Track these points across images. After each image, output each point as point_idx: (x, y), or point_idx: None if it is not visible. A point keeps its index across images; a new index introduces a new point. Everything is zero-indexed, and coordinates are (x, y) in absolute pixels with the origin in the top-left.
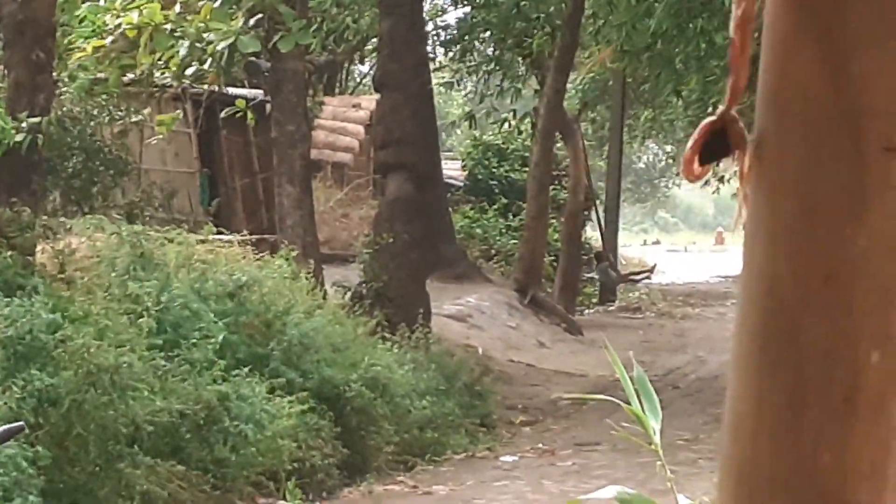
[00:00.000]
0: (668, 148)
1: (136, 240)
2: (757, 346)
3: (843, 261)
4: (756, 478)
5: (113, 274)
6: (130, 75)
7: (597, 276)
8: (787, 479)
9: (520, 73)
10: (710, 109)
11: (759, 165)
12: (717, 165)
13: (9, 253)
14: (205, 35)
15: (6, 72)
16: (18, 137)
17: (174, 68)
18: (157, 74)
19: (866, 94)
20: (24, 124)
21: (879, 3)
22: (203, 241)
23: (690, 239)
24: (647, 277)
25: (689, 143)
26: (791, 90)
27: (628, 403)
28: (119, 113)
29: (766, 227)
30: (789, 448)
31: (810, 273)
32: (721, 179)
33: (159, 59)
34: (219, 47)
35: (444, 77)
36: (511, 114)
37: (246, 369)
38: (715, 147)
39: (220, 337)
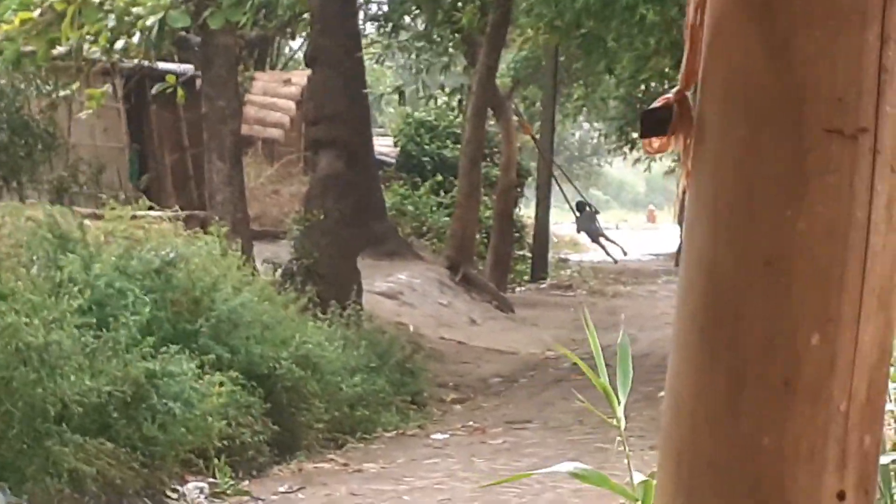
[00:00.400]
0: (600, 125)
1: (55, 220)
2: (697, 329)
3: (783, 244)
4: (695, 460)
5: (37, 255)
6: (59, 49)
7: (578, 225)
8: (727, 461)
9: (450, 49)
10: (642, 87)
11: (699, 147)
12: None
13: None
14: (133, 9)
15: None
16: None
17: (103, 42)
18: (86, 48)
19: (807, 76)
20: None
21: None
22: (132, 218)
23: (622, 217)
24: (620, 251)
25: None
26: (732, 71)
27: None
28: (47, 87)
29: (706, 210)
30: (728, 430)
31: (750, 256)
32: (653, 158)
33: (88, 34)
34: (148, 22)
35: (375, 53)
36: (440, 90)
37: (175, 347)
38: (658, 122)
39: (146, 312)
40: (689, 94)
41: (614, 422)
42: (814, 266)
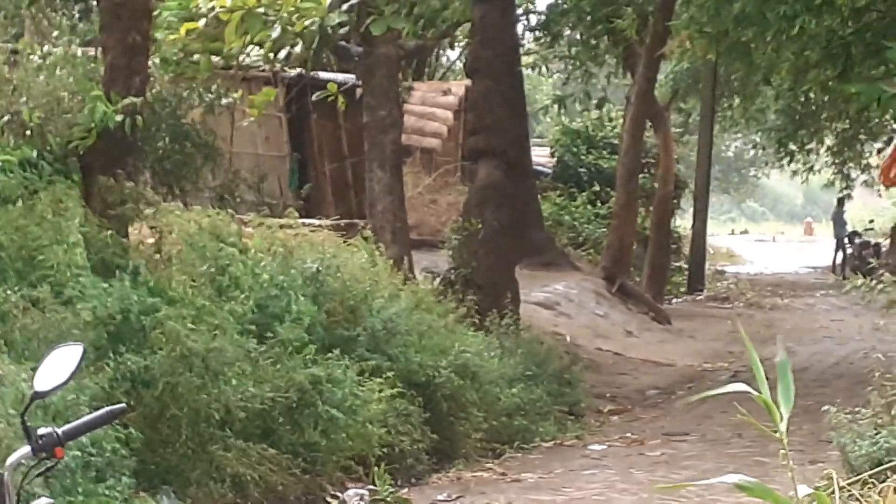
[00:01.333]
0: (757, 137)
1: (219, 225)
2: None
3: None
4: None
5: (202, 259)
6: (222, 57)
7: (854, 253)
8: None
9: (607, 59)
10: (802, 99)
11: None
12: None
13: (108, 232)
14: (295, 19)
15: (103, 54)
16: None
17: (266, 51)
18: (248, 57)
19: None
20: (119, 106)
21: None
22: (289, 226)
23: (778, 229)
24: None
25: (890, 151)
26: None
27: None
28: (209, 95)
29: None
30: None
31: None
32: (811, 170)
33: (252, 42)
34: (306, 23)
35: (533, 62)
36: (596, 101)
37: (335, 353)
38: None
39: (307, 319)
40: None
41: (777, 435)
42: None
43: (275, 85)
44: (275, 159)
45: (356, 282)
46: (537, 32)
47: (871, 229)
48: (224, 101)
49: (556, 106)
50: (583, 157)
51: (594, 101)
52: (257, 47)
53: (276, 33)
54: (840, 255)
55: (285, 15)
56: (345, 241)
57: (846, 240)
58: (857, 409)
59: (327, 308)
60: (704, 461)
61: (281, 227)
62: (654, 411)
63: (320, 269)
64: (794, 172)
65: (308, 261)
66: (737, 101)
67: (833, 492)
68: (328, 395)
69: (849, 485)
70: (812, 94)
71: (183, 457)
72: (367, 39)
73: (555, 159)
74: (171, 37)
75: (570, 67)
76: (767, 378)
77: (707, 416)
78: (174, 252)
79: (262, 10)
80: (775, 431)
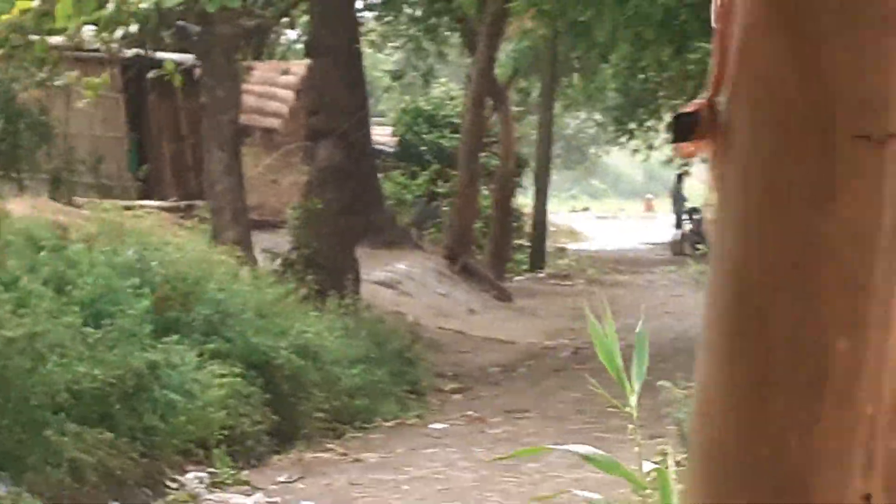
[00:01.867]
0: (598, 115)
1: (53, 214)
2: (725, 332)
3: (811, 248)
4: (724, 459)
5: (34, 246)
6: (57, 38)
7: (693, 228)
8: (754, 462)
9: (447, 37)
10: (640, 76)
11: (729, 152)
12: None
13: None
14: None
15: None
16: None
17: (102, 31)
18: (84, 37)
19: (836, 83)
20: None
21: None
22: (127, 209)
23: (619, 206)
24: None
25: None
26: (761, 79)
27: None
28: (41, 74)
29: (735, 214)
30: (757, 432)
31: (778, 260)
32: (650, 147)
33: (86, 22)
34: (143, 5)
35: (372, 41)
36: (397, 72)
37: (175, 337)
38: (689, 127)
39: (144, 304)
40: (717, 99)
41: (627, 410)
42: (841, 270)
43: (111, 65)
44: (112, 140)
45: (189, 265)
46: (378, 11)
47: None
48: (59, 81)
49: (394, 83)
50: (424, 136)
51: (419, 74)
52: (93, 26)
53: (111, 6)
54: (679, 231)
55: None
56: (183, 223)
57: (685, 215)
58: (693, 384)
59: (159, 294)
60: (545, 438)
61: (118, 209)
62: (496, 389)
63: (141, 256)
64: (635, 150)
65: (130, 250)
66: (576, 79)
67: (668, 467)
68: (166, 379)
69: (685, 460)
70: (649, 73)
71: (18, 442)
72: (205, 19)
73: (396, 138)
74: (4, 17)
75: (409, 45)
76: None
77: (548, 393)
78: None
79: None
80: (613, 407)
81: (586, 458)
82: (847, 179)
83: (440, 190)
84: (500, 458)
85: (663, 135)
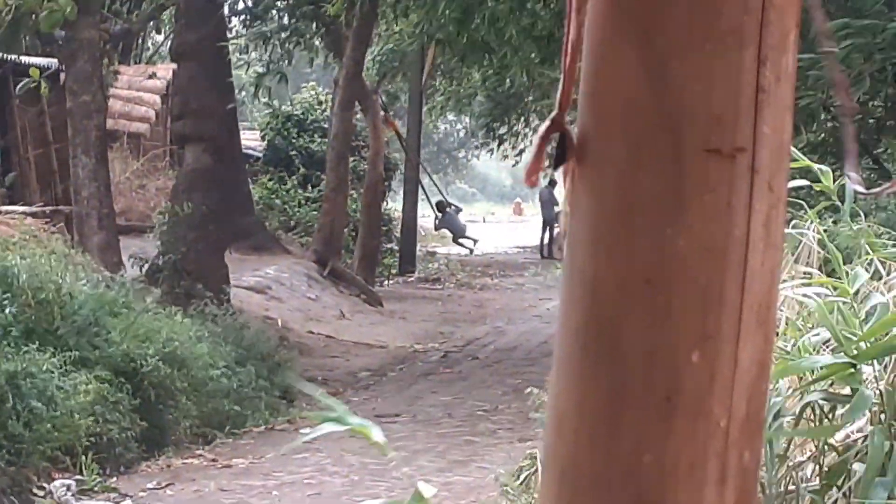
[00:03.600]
0: (467, 119)
1: None
2: (578, 346)
3: (663, 263)
4: (577, 476)
5: None
6: None
7: (440, 225)
8: (608, 478)
9: (315, 42)
10: (507, 82)
11: (580, 167)
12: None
13: None
14: None
15: None
16: None
17: None
18: None
19: (685, 97)
20: None
21: (696, 9)
22: None
23: (488, 210)
24: (474, 244)
25: (532, 153)
26: (611, 93)
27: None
28: None
29: (587, 228)
30: (610, 447)
31: (630, 274)
32: (520, 152)
33: None
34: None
35: (239, 45)
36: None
37: (33, 346)
38: (560, 153)
39: (6, 313)
40: (565, 117)
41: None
42: (693, 284)
43: None
44: None
45: (54, 272)
46: (245, 16)
47: None
48: None
49: (255, 88)
50: (293, 141)
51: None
52: None
53: None
54: (547, 234)
55: None
56: (48, 229)
57: (555, 219)
58: None
59: (22, 301)
60: (416, 441)
61: None
62: (366, 393)
63: (3, 263)
64: (505, 156)
65: None
66: (442, 85)
67: (537, 470)
68: (26, 388)
69: None
70: (517, 78)
71: None
72: (70, 24)
73: (265, 143)
74: None
75: (276, 50)
76: (476, 358)
77: (418, 396)
78: None
79: None
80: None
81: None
82: (698, 193)
83: (310, 195)
84: None
85: (530, 140)
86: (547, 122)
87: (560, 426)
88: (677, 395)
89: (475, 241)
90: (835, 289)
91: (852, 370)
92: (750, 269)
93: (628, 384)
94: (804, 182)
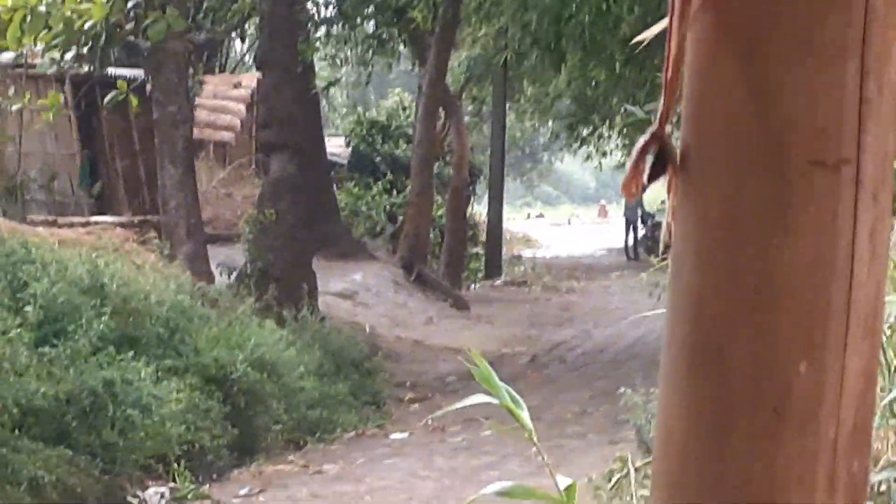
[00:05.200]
0: (551, 123)
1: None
2: (685, 361)
3: (770, 275)
4: (686, 492)
5: None
6: (6, 56)
7: (647, 234)
8: (717, 492)
9: (398, 48)
10: (593, 84)
11: (684, 181)
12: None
13: None
14: (76, 18)
15: None
16: None
17: (48, 50)
18: (35, 57)
19: (790, 110)
20: None
21: (800, 23)
22: (84, 225)
23: (573, 212)
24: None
25: (630, 165)
26: (714, 107)
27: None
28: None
29: (692, 243)
30: (719, 462)
31: (736, 287)
32: (604, 154)
33: (36, 41)
34: (86, 25)
35: (325, 54)
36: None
37: (130, 354)
38: (656, 165)
39: (99, 325)
40: (666, 131)
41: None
42: (800, 296)
43: (63, 83)
44: (65, 157)
45: (145, 281)
46: (331, 25)
47: (664, 209)
48: (14, 106)
49: (325, 88)
50: (378, 147)
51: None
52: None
53: (57, 30)
54: (632, 236)
55: (68, 13)
56: (137, 239)
57: (640, 220)
58: (652, 390)
59: (111, 310)
60: (504, 445)
61: (72, 226)
62: (454, 398)
63: (97, 272)
64: (588, 157)
65: (86, 266)
66: (528, 88)
67: (628, 473)
68: (122, 396)
69: (644, 465)
70: (601, 80)
71: None
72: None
73: (350, 149)
74: None
75: (361, 58)
76: (563, 362)
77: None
78: None
79: (43, 8)
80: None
81: (499, 494)
82: (803, 206)
83: (395, 200)
84: None
85: (615, 140)
86: (646, 136)
87: (668, 441)
88: (786, 406)
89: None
90: None
91: None
92: (856, 280)
93: (736, 398)
94: None
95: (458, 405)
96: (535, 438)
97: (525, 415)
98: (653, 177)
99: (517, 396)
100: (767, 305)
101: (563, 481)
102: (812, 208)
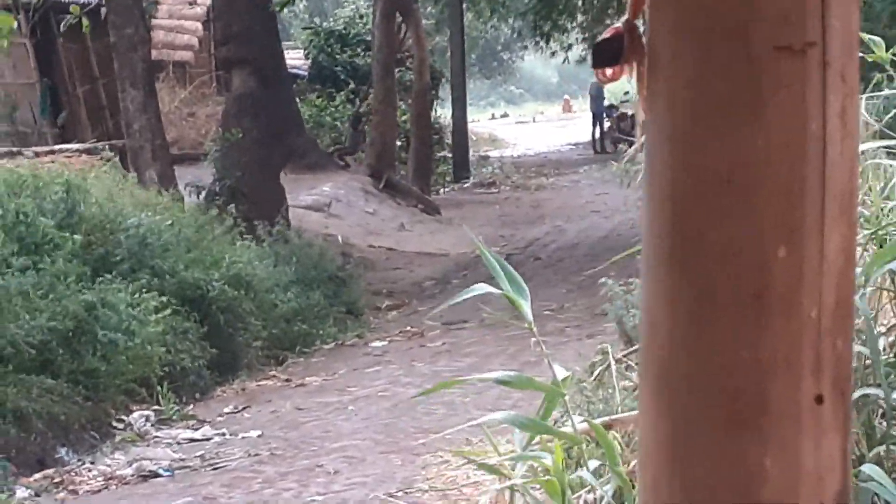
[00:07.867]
0: (511, 21)
1: None
2: (665, 251)
3: (743, 161)
4: (674, 378)
5: None
6: None
7: (612, 126)
8: (705, 376)
9: None
10: None
11: (653, 73)
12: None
13: None
14: None
15: None
16: None
17: None
18: None
19: None
20: None
21: None
22: (49, 154)
23: (537, 109)
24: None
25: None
26: None
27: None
28: None
29: (664, 134)
30: (705, 348)
31: (711, 175)
32: (568, 48)
33: None
34: None
35: None
36: None
37: (108, 276)
38: (608, 52)
39: (71, 246)
40: (638, 22)
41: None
42: (775, 180)
43: (15, 11)
44: (25, 87)
45: (108, 202)
46: None
47: (628, 101)
48: None
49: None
50: (337, 57)
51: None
52: None
53: None
54: (598, 129)
55: None
56: (103, 164)
57: (604, 113)
58: (630, 279)
59: (83, 232)
60: (485, 346)
61: (37, 156)
62: (432, 302)
63: (66, 197)
64: (553, 53)
65: (59, 189)
66: None
67: (609, 365)
68: (104, 319)
69: (625, 356)
70: None
71: None
72: None
73: (309, 61)
74: None
75: None
76: (538, 259)
77: (484, 301)
78: None
79: None
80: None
81: (499, 381)
82: (772, 91)
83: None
84: (425, 393)
85: (576, 34)
86: (617, 24)
87: (653, 331)
88: (767, 290)
89: None
90: None
91: None
92: (829, 160)
93: (717, 284)
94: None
95: (461, 297)
96: (534, 329)
97: (526, 305)
98: (607, 62)
99: (522, 284)
100: (742, 192)
101: (561, 372)
102: (781, 93)
